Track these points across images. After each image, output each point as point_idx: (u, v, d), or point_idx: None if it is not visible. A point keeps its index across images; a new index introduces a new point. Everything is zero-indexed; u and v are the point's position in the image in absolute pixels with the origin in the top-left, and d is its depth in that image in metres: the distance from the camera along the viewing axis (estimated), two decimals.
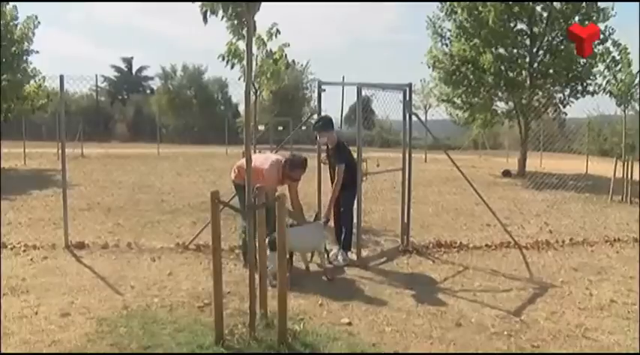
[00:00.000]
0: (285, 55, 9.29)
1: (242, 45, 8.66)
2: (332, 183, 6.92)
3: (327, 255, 6.67)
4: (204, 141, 35.98)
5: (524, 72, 18.66)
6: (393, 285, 5.97)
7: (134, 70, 56.81)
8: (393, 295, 5.63)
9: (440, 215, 10.50)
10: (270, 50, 9.30)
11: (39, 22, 18.66)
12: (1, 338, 4.31)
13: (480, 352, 4.29)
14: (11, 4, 18.35)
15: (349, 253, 6.93)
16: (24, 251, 7.18)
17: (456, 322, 4.89)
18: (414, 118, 7.72)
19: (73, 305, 5.14)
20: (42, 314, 4.90)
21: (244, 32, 4.54)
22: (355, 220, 7.00)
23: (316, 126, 7.05)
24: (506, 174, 19.25)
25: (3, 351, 4.12)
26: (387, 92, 7.97)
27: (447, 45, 19.55)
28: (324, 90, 7.45)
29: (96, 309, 5.03)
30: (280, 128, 31.74)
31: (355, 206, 6.99)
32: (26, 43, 18.65)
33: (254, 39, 8.32)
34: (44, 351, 4.15)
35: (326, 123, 7.07)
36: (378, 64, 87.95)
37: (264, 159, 6.42)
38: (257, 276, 4.43)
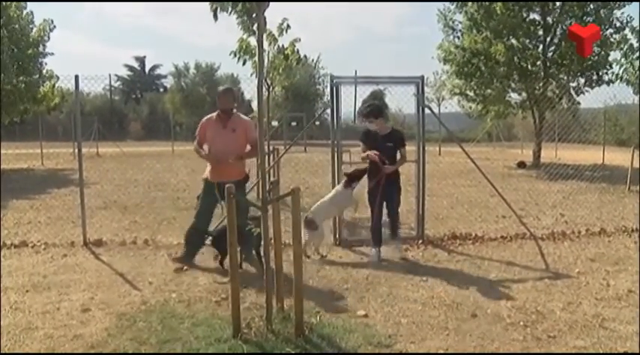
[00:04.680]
0: (297, 51, 9.32)
1: (253, 41, 8.74)
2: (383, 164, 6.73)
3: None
4: None
5: (537, 62, 18.51)
6: (409, 277, 5.99)
7: (147, 69, 57.20)
8: (409, 287, 5.65)
9: (455, 207, 10.47)
10: (283, 46, 9.34)
11: (54, 26, 18.96)
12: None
13: (495, 343, 4.30)
14: (29, 8, 18.63)
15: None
16: (44, 249, 7.30)
17: (471, 313, 4.89)
18: (427, 111, 7.71)
19: (93, 300, 5.23)
20: (64, 309, 4.99)
21: (255, 28, 4.58)
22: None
23: (367, 112, 6.89)
24: (521, 165, 19.15)
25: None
26: (399, 86, 7.99)
27: (458, 38, 19.48)
28: (338, 84, 7.46)
29: (115, 305, 5.11)
30: (294, 124, 31.81)
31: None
32: (42, 46, 18.94)
33: (265, 35, 8.38)
34: (66, 346, 4.23)
35: (377, 108, 6.95)
36: (388, 58, 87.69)
37: None
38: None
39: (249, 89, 43.77)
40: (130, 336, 4.36)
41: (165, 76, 54.98)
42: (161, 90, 54.47)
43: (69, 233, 8.19)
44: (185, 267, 6.30)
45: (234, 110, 6.51)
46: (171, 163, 20.14)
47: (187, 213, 9.87)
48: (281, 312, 4.52)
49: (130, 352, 4.10)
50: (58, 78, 19.41)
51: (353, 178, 6.89)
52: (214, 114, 6.53)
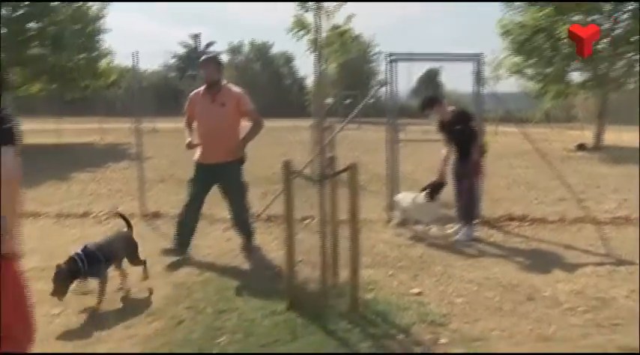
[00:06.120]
0: (352, 28, 9.24)
1: (309, 18, 8.71)
2: (459, 152, 6.79)
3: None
4: (272, 115, 36.33)
5: (604, 39, 17.68)
6: (464, 258, 5.91)
7: (202, 46, 57.99)
8: (464, 267, 5.57)
9: (511, 188, 10.23)
10: (337, 23, 9.28)
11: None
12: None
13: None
14: None
15: (471, 228, 6.73)
16: (105, 219, 7.60)
17: (528, 296, 4.78)
18: (485, 90, 7.51)
19: (152, 269, 5.39)
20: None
21: (310, 4, 4.55)
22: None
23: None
24: (581, 147, 18.46)
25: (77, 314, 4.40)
26: (456, 63, 7.82)
27: (518, 14, 18.84)
28: (394, 61, 7.33)
29: (173, 275, 5.27)
30: (347, 101, 31.65)
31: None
32: (100, 22, 19.50)
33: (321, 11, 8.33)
34: (127, 310, 4.40)
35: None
36: (443, 36, 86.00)
37: None
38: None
39: (302, 66, 43.91)
40: (188, 305, 4.48)
41: (220, 54, 55.65)
42: None
43: (128, 205, 8.45)
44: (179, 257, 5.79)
45: (223, 81, 5.91)
46: None
47: None
48: (336, 287, 4.55)
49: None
50: (115, 55, 20.01)
51: (434, 192, 6.62)
52: (203, 87, 5.97)
